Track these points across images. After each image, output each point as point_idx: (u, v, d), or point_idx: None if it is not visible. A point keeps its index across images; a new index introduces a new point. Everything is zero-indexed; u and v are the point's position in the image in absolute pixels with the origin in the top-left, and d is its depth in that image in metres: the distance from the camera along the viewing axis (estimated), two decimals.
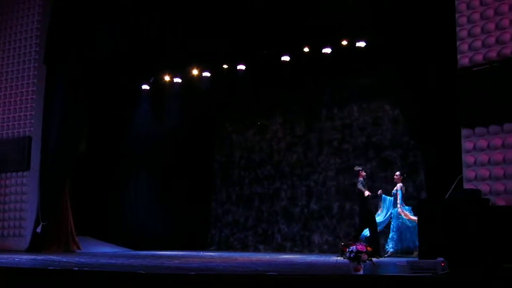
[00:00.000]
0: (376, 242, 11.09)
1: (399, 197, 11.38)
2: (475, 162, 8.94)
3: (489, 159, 8.79)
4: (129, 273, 7.30)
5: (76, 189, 14.16)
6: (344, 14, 11.30)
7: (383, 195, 11.76)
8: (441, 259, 6.64)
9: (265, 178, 15.69)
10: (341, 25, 11.98)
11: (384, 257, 10.98)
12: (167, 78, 15.21)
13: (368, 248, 6.46)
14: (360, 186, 11.51)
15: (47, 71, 13.86)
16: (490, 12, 9.03)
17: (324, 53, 13.11)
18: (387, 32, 10.31)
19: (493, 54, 8.88)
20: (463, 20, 9.27)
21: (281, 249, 14.84)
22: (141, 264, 8.99)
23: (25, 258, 10.11)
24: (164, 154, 15.57)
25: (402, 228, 11.29)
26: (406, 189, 11.83)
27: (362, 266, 6.41)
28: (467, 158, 9.03)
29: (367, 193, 11.38)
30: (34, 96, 13.78)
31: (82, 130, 14.26)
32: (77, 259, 10.12)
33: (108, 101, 14.91)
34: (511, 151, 8.60)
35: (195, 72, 14.79)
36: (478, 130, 8.96)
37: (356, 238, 10.41)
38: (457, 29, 9.31)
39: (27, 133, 13.70)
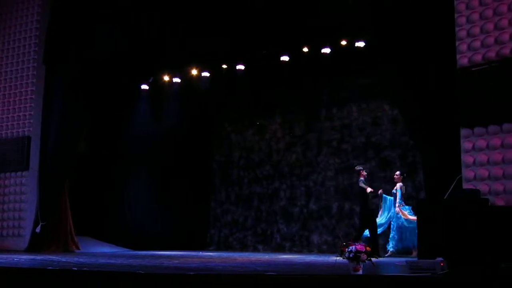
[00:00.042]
0: (376, 242, 11.11)
1: (398, 196, 11.41)
2: (474, 162, 8.94)
3: (488, 159, 8.79)
4: (128, 273, 7.30)
5: (75, 189, 14.16)
6: (344, 14, 11.30)
7: (384, 195, 11.78)
8: (440, 259, 6.64)
9: (264, 178, 15.70)
10: (340, 25, 11.99)
11: (385, 256, 11.01)
12: (166, 78, 15.21)
13: (367, 248, 6.47)
14: (361, 184, 11.55)
15: (46, 71, 13.85)
16: (489, 12, 9.03)
17: (323, 53, 13.12)
18: (386, 32, 10.31)
19: (492, 54, 8.89)
20: (462, 20, 9.28)
21: (280, 249, 14.84)
22: (140, 264, 8.98)
23: (24, 258, 10.10)
24: (163, 154, 15.57)
25: (402, 228, 11.31)
26: (405, 189, 11.84)
27: (361, 266, 6.41)
28: (466, 158, 9.03)
29: (369, 189, 11.45)
30: (33, 96, 13.77)
31: (81, 130, 14.24)
32: (76, 259, 10.12)
33: (107, 101, 14.89)
34: (510, 151, 8.60)
35: (194, 72, 14.80)
36: (477, 130, 8.96)
37: (358, 238, 10.42)
38: (456, 29, 9.31)
39: (26, 133, 13.69)
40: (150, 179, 15.61)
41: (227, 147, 16.49)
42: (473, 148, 8.97)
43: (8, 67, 14.25)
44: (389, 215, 11.65)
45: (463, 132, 9.10)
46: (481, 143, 8.89)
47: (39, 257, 10.64)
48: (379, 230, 11.64)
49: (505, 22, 8.83)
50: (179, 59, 14.22)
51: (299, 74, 14.11)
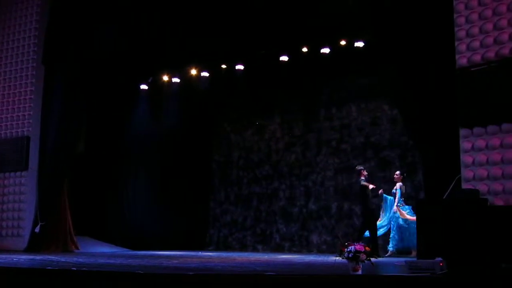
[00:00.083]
0: (375, 242, 11.11)
1: (397, 196, 11.42)
2: (473, 162, 8.94)
3: (487, 159, 8.79)
4: (128, 273, 7.30)
5: (74, 189, 14.15)
6: (343, 14, 11.31)
7: (384, 195, 11.78)
8: (440, 259, 6.64)
9: (264, 178, 15.70)
10: (340, 25, 11.99)
11: (385, 256, 11.02)
12: (165, 78, 15.21)
13: (367, 248, 6.47)
14: (363, 182, 11.57)
15: (45, 71, 13.84)
16: (488, 13, 9.03)
17: (323, 53, 13.12)
18: (386, 32, 10.31)
19: (491, 54, 8.88)
20: (461, 20, 9.28)
21: (279, 249, 14.84)
22: (140, 264, 8.98)
23: (23, 258, 10.09)
24: (162, 154, 15.57)
25: (402, 228, 11.32)
26: (405, 189, 11.85)
27: (361, 266, 6.41)
28: (465, 158, 9.03)
29: (371, 186, 11.48)
30: (32, 96, 13.76)
31: (81, 130, 14.25)
32: (75, 259, 10.11)
33: (106, 101, 14.91)
34: (509, 151, 8.60)
35: (193, 72, 14.80)
36: (476, 130, 8.96)
37: (359, 239, 10.41)
38: (455, 29, 9.31)
39: (25, 133, 13.68)
40: (150, 179, 15.61)
41: (226, 147, 16.49)
42: (472, 148, 8.97)
43: (7, 67, 14.24)
44: (389, 215, 11.65)
45: (462, 132, 9.11)
46: (480, 143, 8.89)
47: (38, 257, 10.63)
48: (382, 231, 11.64)
49: (504, 22, 8.83)
50: (178, 59, 14.22)
51: (298, 74, 14.11)
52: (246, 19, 12.56)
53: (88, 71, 13.29)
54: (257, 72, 14.44)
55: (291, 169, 15.21)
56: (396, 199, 11.42)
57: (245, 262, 9.81)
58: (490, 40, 8.93)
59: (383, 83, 12.64)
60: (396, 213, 11.38)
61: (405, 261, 7.32)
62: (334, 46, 12.95)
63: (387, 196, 11.77)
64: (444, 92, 9.38)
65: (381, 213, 11.86)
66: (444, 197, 8.53)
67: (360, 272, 6.41)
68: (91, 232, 14.79)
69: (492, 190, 8.64)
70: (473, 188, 8.68)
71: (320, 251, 14.00)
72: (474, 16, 9.15)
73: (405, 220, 11.24)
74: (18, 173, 13.65)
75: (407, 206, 11.49)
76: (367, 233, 11.45)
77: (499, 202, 8.49)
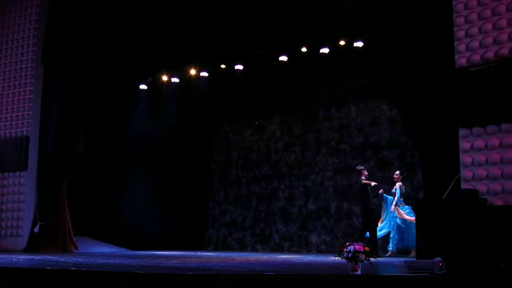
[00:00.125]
0: (375, 242, 11.11)
1: (397, 195, 11.42)
2: (472, 162, 8.95)
3: (486, 159, 8.80)
4: (127, 273, 7.30)
5: (73, 189, 14.16)
6: (342, 14, 11.31)
7: (384, 195, 11.78)
8: (439, 259, 6.65)
9: (263, 178, 15.69)
10: (339, 25, 11.99)
11: (385, 256, 11.02)
12: (165, 78, 15.20)
13: (366, 248, 6.47)
14: (364, 180, 11.57)
15: (44, 71, 13.83)
16: (488, 13, 9.03)
17: (322, 53, 13.12)
18: (385, 32, 10.32)
19: (490, 55, 8.89)
20: (461, 20, 9.28)
21: (278, 249, 14.83)
22: (139, 264, 8.98)
23: (22, 258, 10.09)
24: (161, 154, 15.57)
25: (402, 228, 11.32)
26: (404, 189, 11.84)
27: (360, 266, 6.42)
28: (465, 158, 9.03)
29: (373, 183, 11.48)
30: (31, 96, 13.76)
31: (80, 130, 14.25)
32: (74, 259, 10.11)
33: (105, 101, 14.91)
34: (509, 151, 8.60)
35: (193, 72, 14.79)
36: (475, 130, 8.96)
37: (360, 239, 10.41)
38: (455, 29, 9.31)
39: (24, 133, 13.67)
40: (149, 179, 15.60)
41: (226, 147, 16.49)
42: (472, 148, 8.98)
43: (6, 67, 14.24)
44: (390, 216, 11.65)
45: (462, 132, 9.11)
46: (480, 143, 8.89)
47: (37, 257, 10.63)
48: (384, 232, 11.64)
49: (503, 22, 8.83)
50: (177, 59, 14.22)
51: (297, 74, 14.11)
52: (245, 19, 12.56)
53: (87, 71, 13.29)
54: (256, 72, 14.44)
55: (291, 169, 15.21)
56: (395, 199, 11.42)
57: (244, 262, 9.81)
58: (489, 40, 8.94)
59: (382, 83, 12.66)
60: (394, 212, 11.39)
61: (405, 261, 7.32)
62: (334, 46, 12.94)
63: (388, 196, 11.76)
64: (443, 92, 9.38)
65: (382, 213, 11.86)
66: (443, 197, 8.53)
67: (359, 272, 6.41)
68: (91, 232, 14.79)
69: (492, 190, 8.64)
70: (473, 188, 8.69)
71: (319, 251, 14.00)
72: (474, 16, 9.16)
73: (403, 220, 11.25)
74: (17, 173, 13.65)
75: (406, 206, 11.49)
76: (367, 234, 11.45)
77: (498, 202, 8.50)
